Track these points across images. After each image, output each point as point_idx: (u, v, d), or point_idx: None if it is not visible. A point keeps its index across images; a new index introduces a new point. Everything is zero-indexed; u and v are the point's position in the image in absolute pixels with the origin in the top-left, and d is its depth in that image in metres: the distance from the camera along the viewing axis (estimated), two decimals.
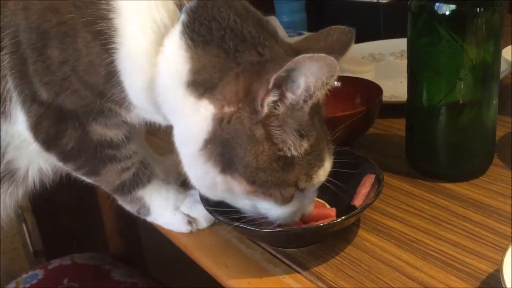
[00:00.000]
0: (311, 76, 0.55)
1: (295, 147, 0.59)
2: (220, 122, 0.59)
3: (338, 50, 0.64)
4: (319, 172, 0.63)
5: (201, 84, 0.59)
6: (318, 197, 0.70)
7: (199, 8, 0.62)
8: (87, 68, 0.65)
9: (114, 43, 0.63)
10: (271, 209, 0.64)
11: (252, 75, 0.58)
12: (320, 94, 0.57)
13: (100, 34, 0.63)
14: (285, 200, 0.62)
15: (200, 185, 0.65)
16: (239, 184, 0.61)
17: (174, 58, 0.61)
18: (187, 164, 0.64)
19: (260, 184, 0.60)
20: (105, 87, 0.66)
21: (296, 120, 0.59)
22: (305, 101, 0.57)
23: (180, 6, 0.64)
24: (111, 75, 0.65)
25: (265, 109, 0.57)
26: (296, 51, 0.62)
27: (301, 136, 0.59)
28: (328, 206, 0.74)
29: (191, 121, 0.61)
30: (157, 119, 0.71)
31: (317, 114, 0.62)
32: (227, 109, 0.58)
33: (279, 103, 0.57)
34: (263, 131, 0.58)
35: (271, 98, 0.57)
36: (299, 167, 0.60)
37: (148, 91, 0.65)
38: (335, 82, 0.57)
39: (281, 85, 0.56)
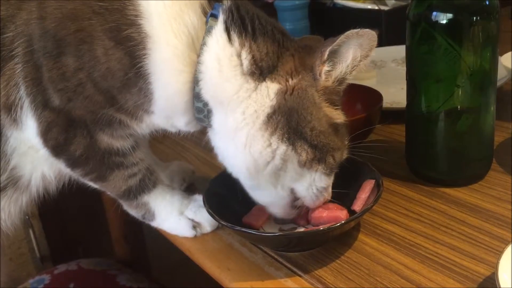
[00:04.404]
0: (358, 48, 0.65)
1: (338, 116, 0.69)
2: (284, 94, 0.66)
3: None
4: (346, 146, 0.71)
5: (264, 68, 0.67)
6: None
7: (240, 7, 0.68)
8: (105, 74, 0.67)
9: (145, 48, 0.65)
10: (313, 185, 0.69)
11: (304, 54, 0.68)
12: (361, 66, 0.67)
13: (127, 40, 0.65)
14: (331, 169, 0.69)
15: (250, 167, 0.68)
16: (300, 153, 0.66)
17: (227, 53, 0.66)
18: (241, 146, 0.67)
19: (320, 147, 0.67)
20: (120, 92, 0.68)
21: (340, 92, 0.69)
22: (349, 73, 0.67)
23: (203, 9, 0.68)
24: (135, 80, 0.67)
25: (323, 77, 0.67)
26: None
27: (340, 107, 0.70)
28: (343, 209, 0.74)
29: (249, 102, 0.66)
30: (176, 123, 0.73)
31: None
32: (291, 82, 0.67)
33: (331, 74, 0.67)
34: (321, 99, 0.67)
35: (326, 68, 0.67)
36: (341, 136, 0.69)
37: (182, 91, 0.68)
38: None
39: (333, 58, 0.66)
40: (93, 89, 0.68)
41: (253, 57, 0.66)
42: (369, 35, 0.64)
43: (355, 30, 0.63)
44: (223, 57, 0.66)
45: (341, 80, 0.68)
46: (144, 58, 0.66)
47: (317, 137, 0.66)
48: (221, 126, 0.69)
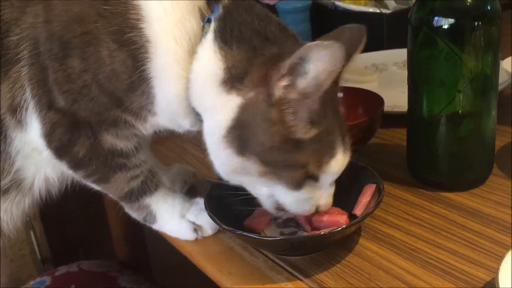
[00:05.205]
0: (320, 63, 0.58)
1: (304, 131, 0.63)
2: (242, 107, 0.64)
3: (350, 47, 0.68)
4: (331, 162, 0.66)
5: (233, 78, 0.65)
6: None
7: (227, 15, 0.67)
8: (109, 76, 0.68)
9: (147, 52, 0.66)
10: (285, 195, 0.67)
11: (270, 64, 0.63)
12: (328, 82, 0.60)
13: (130, 43, 0.66)
14: (296, 184, 0.66)
15: (223, 171, 0.69)
16: (254, 164, 0.65)
17: (210, 62, 0.66)
18: (212, 153, 0.68)
19: (272, 164, 0.64)
20: (125, 94, 0.69)
21: (306, 107, 0.63)
22: (315, 88, 0.61)
23: (201, 15, 0.68)
24: (138, 83, 0.68)
25: (278, 93, 0.62)
26: None
27: (311, 122, 0.63)
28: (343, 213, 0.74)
29: (220, 113, 0.66)
30: (181, 124, 0.74)
31: (331, 106, 0.66)
32: (249, 95, 0.64)
33: (290, 89, 0.62)
34: (277, 113, 0.63)
35: (283, 83, 0.62)
36: (308, 152, 0.64)
37: (181, 96, 0.69)
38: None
39: (293, 71, 0.61)
40: (98, 91, 0.69)
41: (226, 66, 0.66)
42: (333, 48, 0.57)
43: (315, 42, 0.58)
44: (209, 67, 0.66)
45: (306, 95, 0.62)
46: (147, 61, 0.67)
47: (267, 153, 0.64)
48: (204, 132, 0.70)
